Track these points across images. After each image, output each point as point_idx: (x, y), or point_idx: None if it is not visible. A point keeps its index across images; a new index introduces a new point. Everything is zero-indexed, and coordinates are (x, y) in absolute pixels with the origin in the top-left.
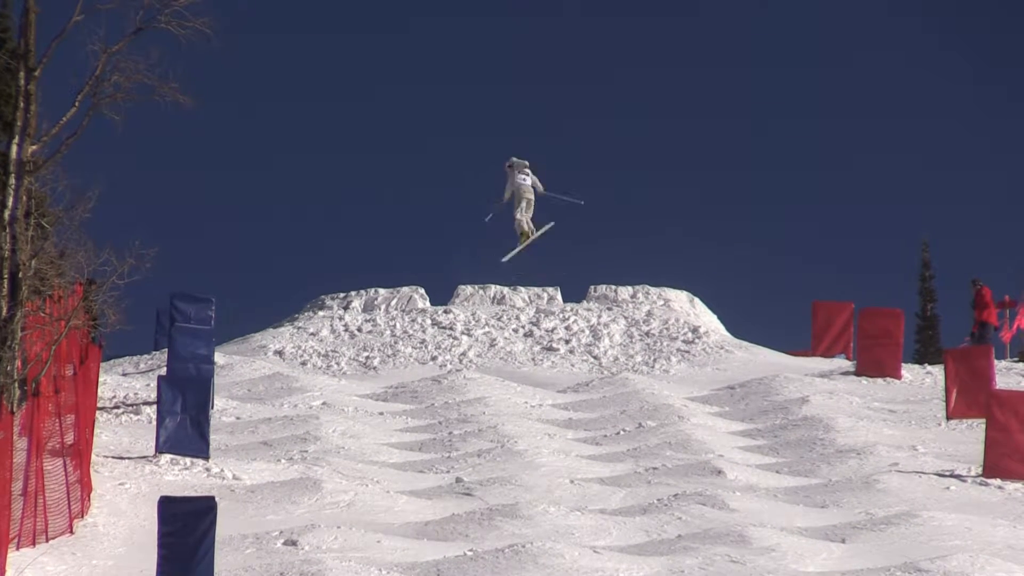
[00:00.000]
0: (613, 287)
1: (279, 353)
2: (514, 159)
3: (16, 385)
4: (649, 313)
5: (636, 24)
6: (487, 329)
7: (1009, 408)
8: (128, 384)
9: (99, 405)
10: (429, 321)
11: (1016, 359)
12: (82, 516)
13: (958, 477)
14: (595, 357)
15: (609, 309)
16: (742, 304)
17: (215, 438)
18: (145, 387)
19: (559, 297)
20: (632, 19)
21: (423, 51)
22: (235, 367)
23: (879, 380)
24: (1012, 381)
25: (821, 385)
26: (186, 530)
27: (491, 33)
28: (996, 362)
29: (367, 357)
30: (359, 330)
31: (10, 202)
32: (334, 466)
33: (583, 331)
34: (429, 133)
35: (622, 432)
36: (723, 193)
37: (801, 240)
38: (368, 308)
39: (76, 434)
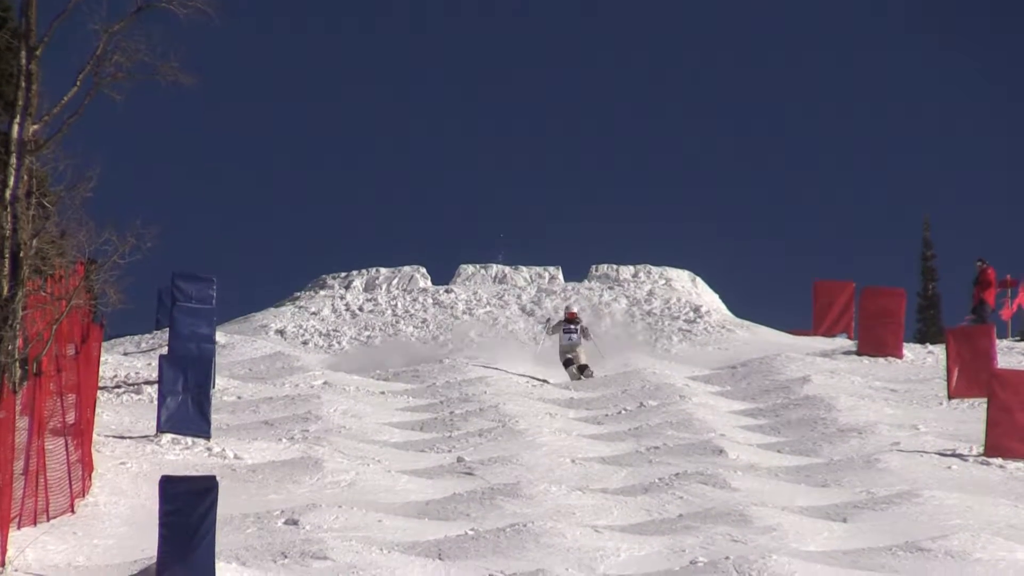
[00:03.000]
0: (615, 266)
1: (280, 332)
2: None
3: (17, 364)
4: (650, 292)
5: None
6: (488, 308)
7: (1011, 387)
8: (129, 363)
9: (100, 384)
10: (430, 300)
11: (1018, 338)
12: (83, 495)
13: (959, 456)
14: (596, 336)
15: (610, 288)
16: (744, 283)
17: (216, 417)
18: (146, 366)
19: (560, 276)
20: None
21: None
22: (236, 346)
23: (880, 359)
24: (1014, 360)
25: (822, 364)
26: (187, 509)
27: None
28: (998, 341)
29: (368, 336)
30: (360, 309)
31: (11, 181)
32: (335, 445)
33: (584, 310)
34: (430, 112)
35: (623, 411)
36: (725, 174)
37: (803, 220)
38: (369, 287)
39: (77, 413)
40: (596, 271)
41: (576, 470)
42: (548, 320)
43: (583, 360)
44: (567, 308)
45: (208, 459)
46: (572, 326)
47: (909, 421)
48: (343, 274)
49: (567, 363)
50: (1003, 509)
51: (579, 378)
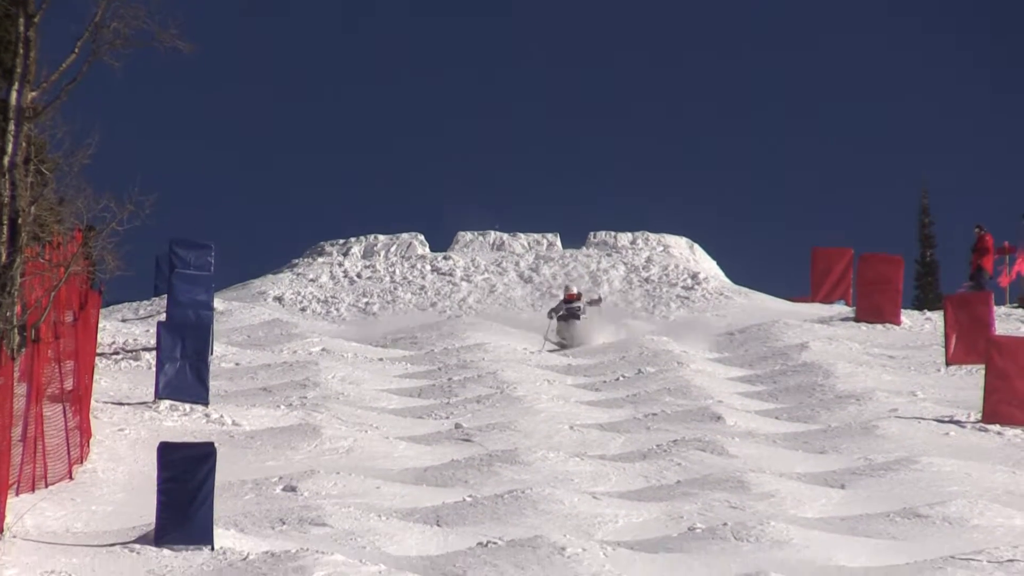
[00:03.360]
0: (612, 233)
1: (278, 299)
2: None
3: (16, 331)
4: (648, 259)
5: None
6: (487, 275)
7: (1008, 354)
8: (127, 330)
9: (98, 351)
10: (429, 267)
11: (1016, 304)
12: (81, 462)
13: (957, 423)
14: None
15: (609, 255)
16: (741, 250)
17: (214, 384)
18: (144, 333)
19: (559, 243)
20: None
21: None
22: (234, 313)
23: (878, 326)
24: (1011, 327)
25: (820, 331)
26: (185, 476)
27: None
28: (995, 308)
29: (366, 303)
30: (358, 276)
31: (9, 148)
32: (333, 412)
33: (583, 277)
34: (429, 75)
35: (621, 378)
36: (723, 141)
37: (801, 186)
38: (367, 254)
39: (75, 380)
40: (594, 238)
41: (574, 437)
42: (549, 314)
43: (576, 342)
44: (566, 289)
45: (206, 425)
46: (574, 306)
47: (907, 388)
48: (341, 241)
49: (564, 320)
50: (1000, 475)
51: (563, 343)
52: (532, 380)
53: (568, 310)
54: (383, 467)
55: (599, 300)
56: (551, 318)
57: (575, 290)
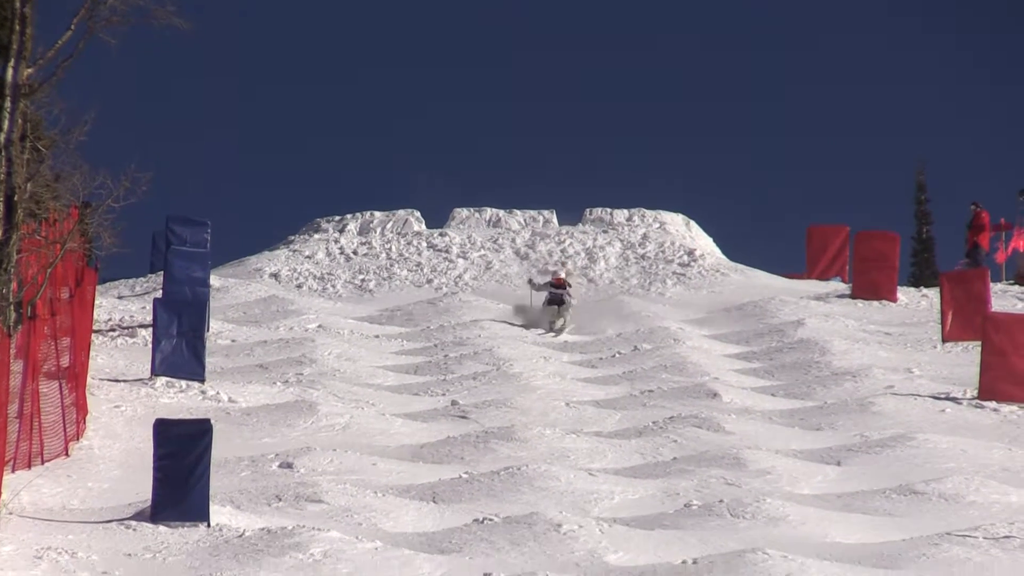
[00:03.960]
0: (609, 210)
1: (275, 276)
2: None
3: (12, 308)
4: (645, 236)
5: None
6: (483, 252)
7: (1005, 331)
8: (124, 307)
9: (95, 328)
10: (425, 244)
11: (1012, 281)
12: (77, 439)
13: (953, 400)
14: (590, 280)
15: (605, 232)
16: (738, 227)
17: (211, 361)
18: (141, 310)
19: (555, 220)
20: None
21: None
22: (231, 290)
23: (875, 303)
24: (1008, 304)
25: (817, 308)
26: (182, 453)
27: None
28: (992, 285)
29: (363, 280)
30: (355, 253)
31: (5, 125)
32: (329, 389)
33: (579, 254)
34: (428, 48)
35: (617, 355)
36: (721, 118)
37: (797, 163)
38: (363, 231)
39: (72, 357)
40: (590, 215)
41: (570, 413)
42: (531, 281)
43: (561, 324)
44: (554, 274)
45: (202, 402)
46: (559, 291)
47: (903, 364)
48: (337, 217)
49: (551, 304)
50: (996, 452)
51: (551, 325)
52: (528, 357)
53: (552, 295)
54: (379, 444)
55: (572, 297)
56: (532, 287)
57: (563, 275)
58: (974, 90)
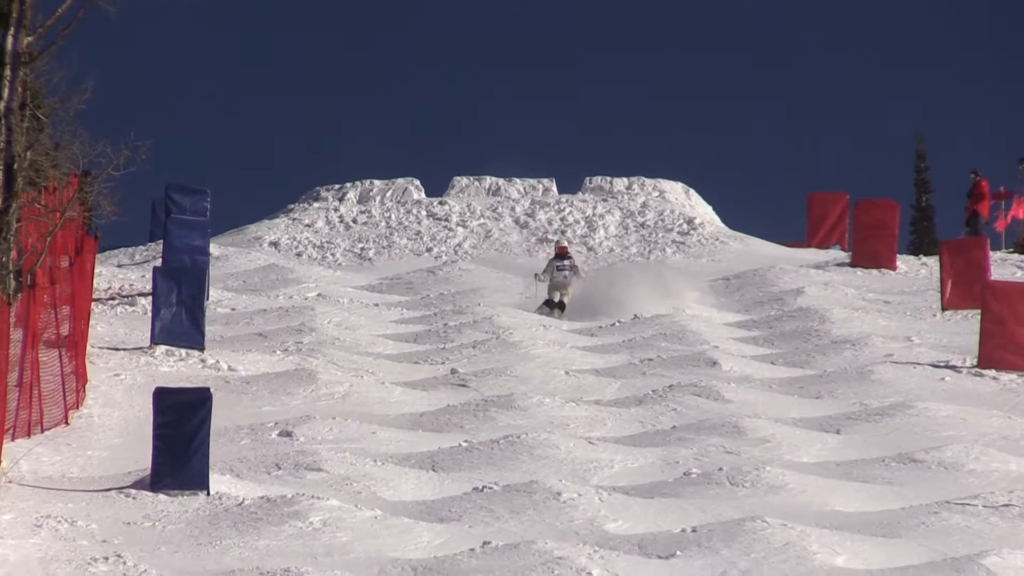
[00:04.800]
0: (608, 178)
1: (274, 244)
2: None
3: (11, 276)
4: (644, 204)
5: None
6: (482, 220)
7: (1004, 299)
8: (123, 275)
9: (94, 296)
10: (424, 212)
11: (1011, 249)
12: (77, 407)
13: (953, 368)
14: (590, 248)
15: (604, 200)
16: (737, 195)
17: (210, 329)
18: (140, 278)
19: (554, 188)
20: None
21: None
22: (230, 258)
23: (874, 271)
24: (1007, 272)
25: (816, 276)
26: (181, 421)
27: None
28: (991, 253)
29: (362, 248)
30: (354, 221)
31: (5, 94)
32: (329, 357)
33: (578, 222)
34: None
35: (617, 323)
36: (720, 86)
37: (797, 132)
38: (363, 199)
39: (71, 325)
40: (590, 183)
41: (570, 382)
42: (536, 275)
43: (566, 298)
44: (557, 243)
45: (202, 371)
46: (563, 262)
47: (902, 333)
48: (337, 186)
49: (548, 301)
50: (996, 421)
51: (550, 314)
52: (528, 325)
53: (559, 267)
54: (379, 412)
55: (579, 275)
56: (538, 280)
57: (566, 243)
58: (973, 56)
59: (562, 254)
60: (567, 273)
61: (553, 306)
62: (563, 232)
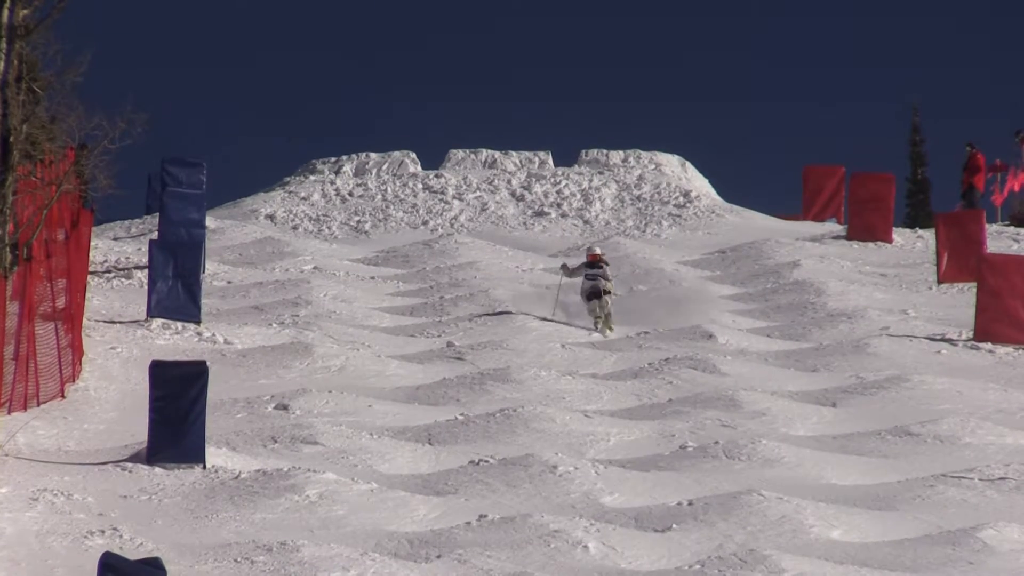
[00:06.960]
0: (604, 151)
1: (270, 217)
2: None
3: (8, 249)
4: (640, 177)
5: None
6: (478, 193)
7: (1000, 272)
8: (119, 248)
9: (90, 269)
10: (420, 185)
11: (1007, 222)
12: (73, 380)
13: (949, 341)
14: (586, 221)
15: (600, 173)
16: (733, 168)
17: (206, 302)
18: (136, 251)
19: (550, 161)
20: None
21: None
22: (226, 231)
23: (870, 244)
24: (1003, 245)
25: (812, 249)
26: (177, 394)
27: None
28: (988, 226)
29: (358, 221)
30: (350, 194)
31: (1, 66)
32: (325, 330)
33: (574, 195)
34: None
35: (614, 296)
36: (716, 58)
37: (793, 104)
38: (359, 172)
39: (67, 298)
40: (586, 156)
41: (566, 355)
42: (564, 266)
43: (607, 315)
44: (589, 250)
45: (198, 344)
46: (594, 271)
47: (899, 306)
48: (333, 159)
49: (591, 299)
50: (992, 393)
51: (597, 323)
52: (523, 298)
53: (591, 287)
54: (375, 385)
55: (611, 291)
56: (563, 274)
57: (599, 251)
58: (971, 26)
59: (593, 262)
60: (600, 281)
61: (603, 317)
62: (596, 241)
